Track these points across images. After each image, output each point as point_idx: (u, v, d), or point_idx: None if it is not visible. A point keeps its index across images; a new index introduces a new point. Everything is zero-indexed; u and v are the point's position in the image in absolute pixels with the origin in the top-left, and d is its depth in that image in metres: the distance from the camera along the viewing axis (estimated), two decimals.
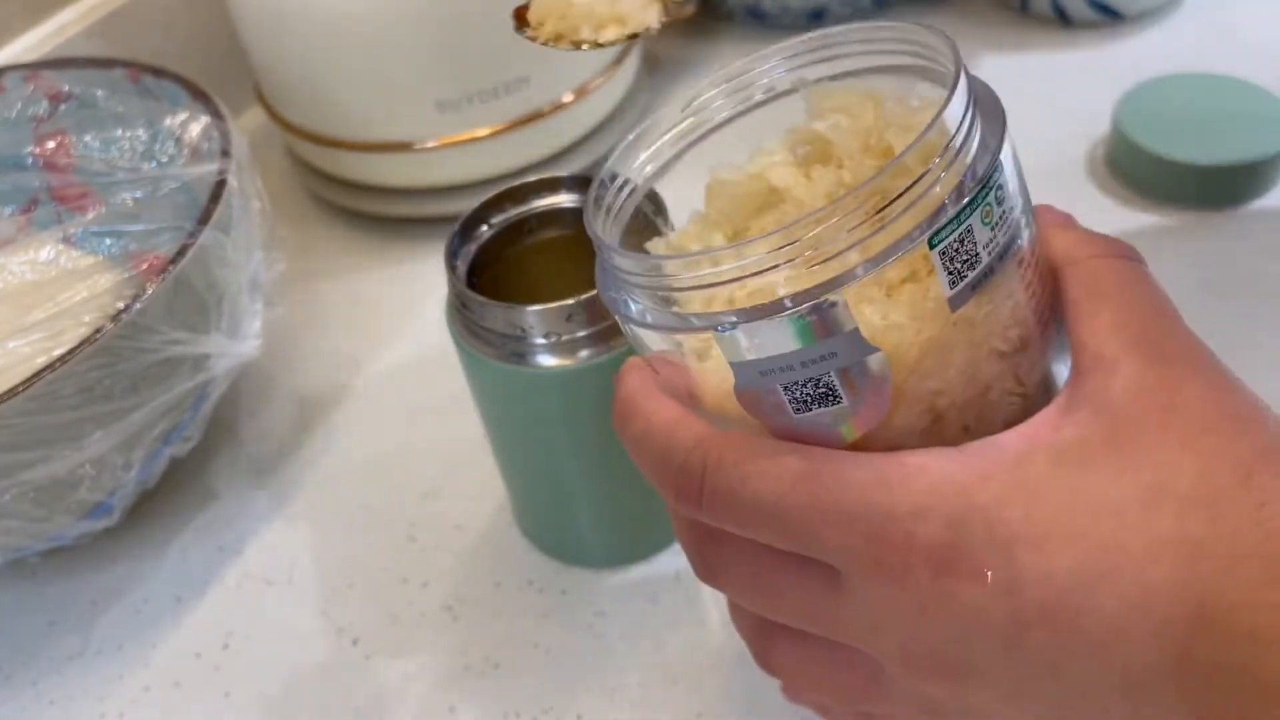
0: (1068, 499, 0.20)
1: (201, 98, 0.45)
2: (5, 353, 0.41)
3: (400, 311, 0.52)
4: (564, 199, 0.36)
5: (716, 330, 0.21)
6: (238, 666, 0.39)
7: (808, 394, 0.22)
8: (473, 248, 0.35)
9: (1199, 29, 0.60)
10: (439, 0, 0.47)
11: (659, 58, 0.64)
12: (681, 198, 0.27)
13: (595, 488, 0.36)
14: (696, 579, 0.26)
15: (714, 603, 0.38)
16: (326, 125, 0.53)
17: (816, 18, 0.63)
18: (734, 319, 0.21)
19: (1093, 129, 0.54)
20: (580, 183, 0.36)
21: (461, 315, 0.33)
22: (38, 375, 0.34)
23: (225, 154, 0.42)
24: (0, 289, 0.46)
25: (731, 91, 0.26)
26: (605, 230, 0.25)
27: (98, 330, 0.35)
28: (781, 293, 0.21)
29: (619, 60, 0.55)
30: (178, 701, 0.38)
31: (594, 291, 0.31)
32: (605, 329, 0.32)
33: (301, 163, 0.58)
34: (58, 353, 0.35)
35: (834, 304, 0.20)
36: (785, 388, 0.22)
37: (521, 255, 0.35)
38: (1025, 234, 0.22)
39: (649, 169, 0.26)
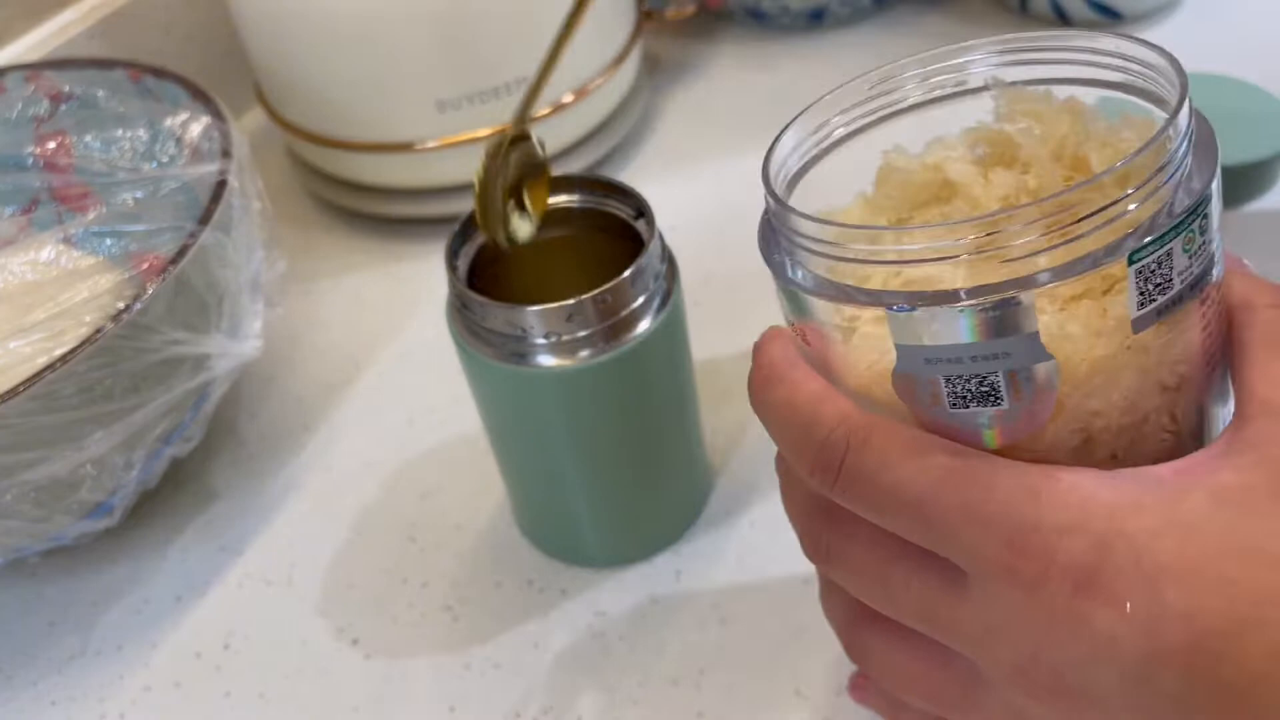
0: (1224, 542, 0.20)
1: (202, 98, 0.45)
2: (6, 353, 0.41)
3: (400, 311, 0.52)
4: (564, 199, 0.36)
5: (891, 309, 0.21)
6: (238, 666, 0.39)
7: (969, 390, 0.21)
8: (473, 248, 0.35)
9: (1199, 29, 0.60)
10: (439, 0, 0.47)
11: (659, 58, 0.64)
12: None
13: (595, 488, 0.36)
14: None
15: (714, 603, 0.38)
16: (326, 125, 0.53)
17: (816, 18, 0.63)
18: (912, 301, 0.21)
19: None
20: (580, 182, 0.36)
21: (462, 315, 0.33)
22: (38, 375, 0.34)
23: (226, 154, 0.42)
24: (1, 289, 0.46)
25: (923, 79, 0.26)
26: (781, 189, 0.24)
27: (98, 330, 0.35)
28: (960, 284, 0.20)
29: (619, 61, 0.55)
30: (178, 701, 0.38)
31: (595, 291, 0.31)
32: (606, 329, 0.32)
33: (302, 163, 0.58)
34: (58, 353, 0.35)
35: (1019, 303, 0.20)
36: (948, 379, 0.21)
37: (522, 255, 0.35)
38: (1216, 270, 0.22)
39: (824, 137, 0.26)
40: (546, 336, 0.32)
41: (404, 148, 0.52)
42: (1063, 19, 0.61)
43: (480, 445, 0.44)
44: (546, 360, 0.32)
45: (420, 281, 0.53)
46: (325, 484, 0.45)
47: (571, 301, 0.31)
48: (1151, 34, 0.60)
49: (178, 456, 0.41)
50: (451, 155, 0.52)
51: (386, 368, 0.49)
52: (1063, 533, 0.20)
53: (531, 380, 0.32)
